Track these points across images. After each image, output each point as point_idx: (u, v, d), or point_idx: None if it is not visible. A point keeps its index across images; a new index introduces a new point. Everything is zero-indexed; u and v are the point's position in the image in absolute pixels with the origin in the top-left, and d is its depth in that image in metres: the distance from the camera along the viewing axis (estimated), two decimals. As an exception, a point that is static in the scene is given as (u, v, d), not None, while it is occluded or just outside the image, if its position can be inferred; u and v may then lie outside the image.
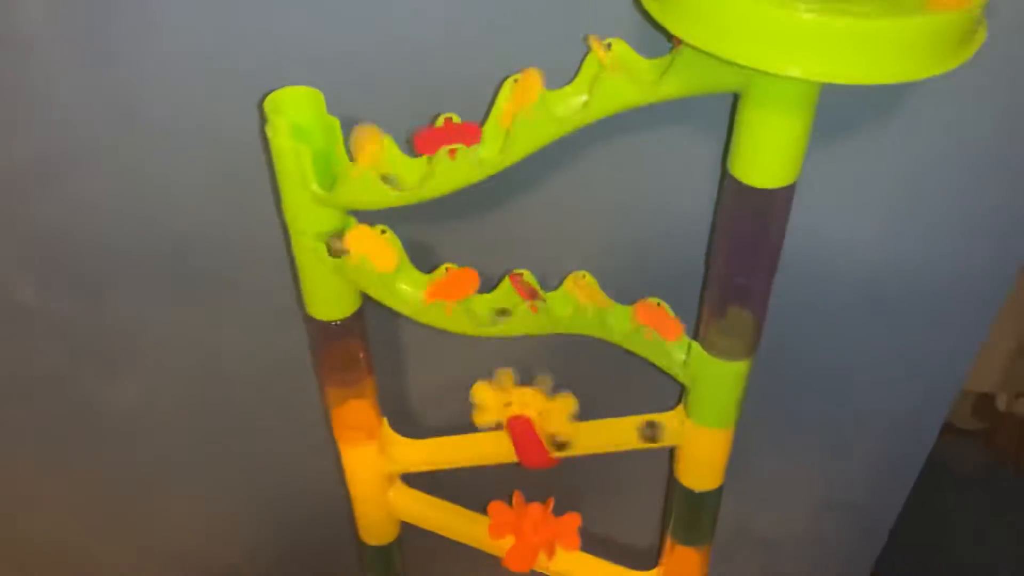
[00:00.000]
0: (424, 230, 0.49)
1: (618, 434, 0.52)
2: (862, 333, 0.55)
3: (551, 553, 0.57)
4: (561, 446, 0.52)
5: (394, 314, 0.55)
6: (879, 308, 0.54)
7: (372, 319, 0.51)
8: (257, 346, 0.58)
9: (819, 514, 0.64)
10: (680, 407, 0.52)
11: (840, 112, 0.44)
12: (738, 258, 0.42)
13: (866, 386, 0.58)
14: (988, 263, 0.51)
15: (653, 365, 0.49)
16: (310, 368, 0.59)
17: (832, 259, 0.51)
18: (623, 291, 0.48)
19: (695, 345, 0.47)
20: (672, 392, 0.55)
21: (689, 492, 0.53)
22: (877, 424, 0.60)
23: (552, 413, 0.52)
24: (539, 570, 0.59)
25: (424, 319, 0.46)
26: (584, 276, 0.48)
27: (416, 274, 0.46)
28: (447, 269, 0.46)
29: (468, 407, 0.53)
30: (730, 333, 0.45)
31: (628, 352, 0.49)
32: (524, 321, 0.46)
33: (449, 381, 0.57)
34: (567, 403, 0.52)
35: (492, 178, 0.47)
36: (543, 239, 0.51)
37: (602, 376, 0.57)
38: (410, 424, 0.58)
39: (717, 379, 0.47)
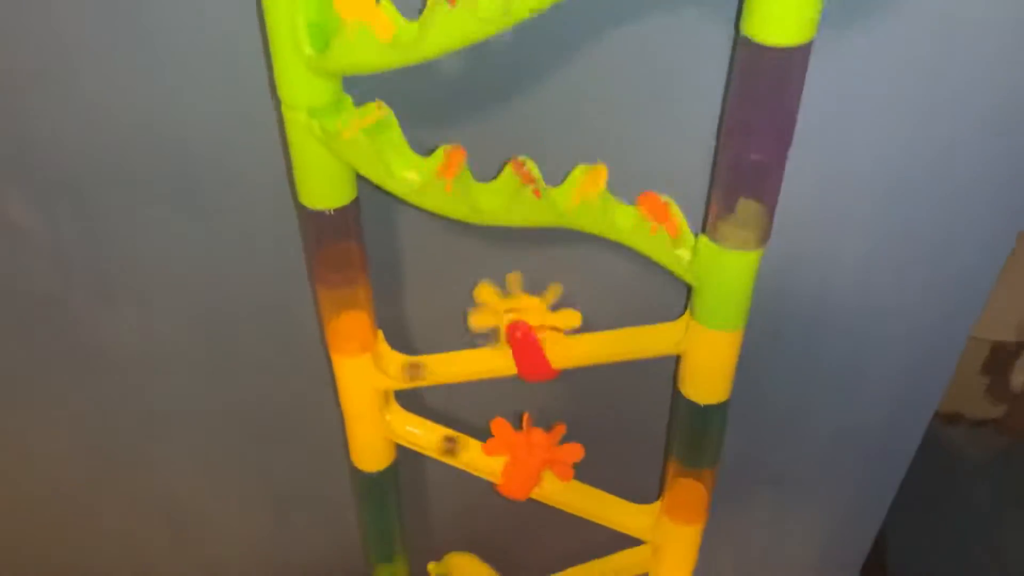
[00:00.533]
0: (425, 131, 0.48)
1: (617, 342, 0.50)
2: (875, 260, 0.53)
3: (562, 472, 0.55)
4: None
5: (392, 228, 0.54)
6: (890, 245, 0.52)
7: (370, 245, 0.49)
8: (259, 265, 0.57)
9: (832, 449, 0.62)
10: (686, 314, 0.50)
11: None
12: (751, 130, 0.40)
13: (876, 324, 0.56)
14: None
15: (659, 268, 0.47)
16: (312, 298, 0.57)
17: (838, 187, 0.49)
18: (629, 191, 0.46)
19: (703, 238, 0.45)
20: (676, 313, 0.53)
21: (694, 407, 0.51)
22: (890, 360, 0.58)
23: (552, 323, 0.50)
24: (537, 498, 0.57)
25: (420, 201, 0.44)
26: (590, 168, 0.46)
27: (413, 155, 0.44)
28: (444, 151, 0.44)
29: (467, 334, 0.52)
30: (740, 225, 0.43)
31: (632, 259, 0.47)
32: (527, 208, 0.44)
33: (449, 306, 0.55)
34: (570, 316, 0.50)
35: (495, 66, 0.46)
36: (548, 135, 0.49)
37: (604, 295, 0.55)
38: (407, 349, 0.57)
39: (727, 272, 0.45)
